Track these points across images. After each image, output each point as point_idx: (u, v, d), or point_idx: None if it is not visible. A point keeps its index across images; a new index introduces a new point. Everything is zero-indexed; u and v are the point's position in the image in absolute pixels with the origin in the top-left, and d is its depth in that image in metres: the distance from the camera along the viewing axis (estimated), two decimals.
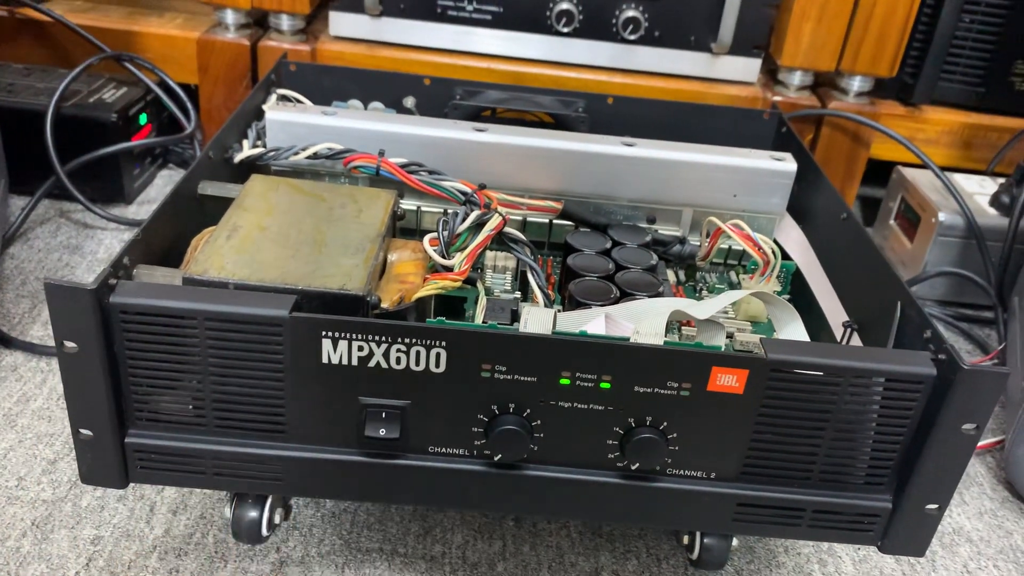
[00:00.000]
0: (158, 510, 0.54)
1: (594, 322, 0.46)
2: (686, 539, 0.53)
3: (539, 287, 0.54)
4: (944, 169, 0.87)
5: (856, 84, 0.91)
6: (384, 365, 0.42)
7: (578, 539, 0.56)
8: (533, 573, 0.53)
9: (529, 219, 0.63)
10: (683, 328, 0.56)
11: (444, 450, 0.45)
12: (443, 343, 0.42)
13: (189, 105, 0.90)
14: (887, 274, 0.51)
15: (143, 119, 0.88)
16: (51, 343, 0.67)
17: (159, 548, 0.52)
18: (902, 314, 0.48)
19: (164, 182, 0.93)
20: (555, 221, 0.63)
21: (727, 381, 0.42)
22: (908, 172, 0.91)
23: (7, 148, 0.75)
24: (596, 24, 0.88)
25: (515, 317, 0.52)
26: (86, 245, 0.80)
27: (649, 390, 0.43)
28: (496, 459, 0.44)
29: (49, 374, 0.64)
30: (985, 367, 0.41)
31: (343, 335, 0.41)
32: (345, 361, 0.42)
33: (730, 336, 0.56)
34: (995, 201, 0.85)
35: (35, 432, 0.59)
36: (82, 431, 0.44)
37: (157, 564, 0.51)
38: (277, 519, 0.52)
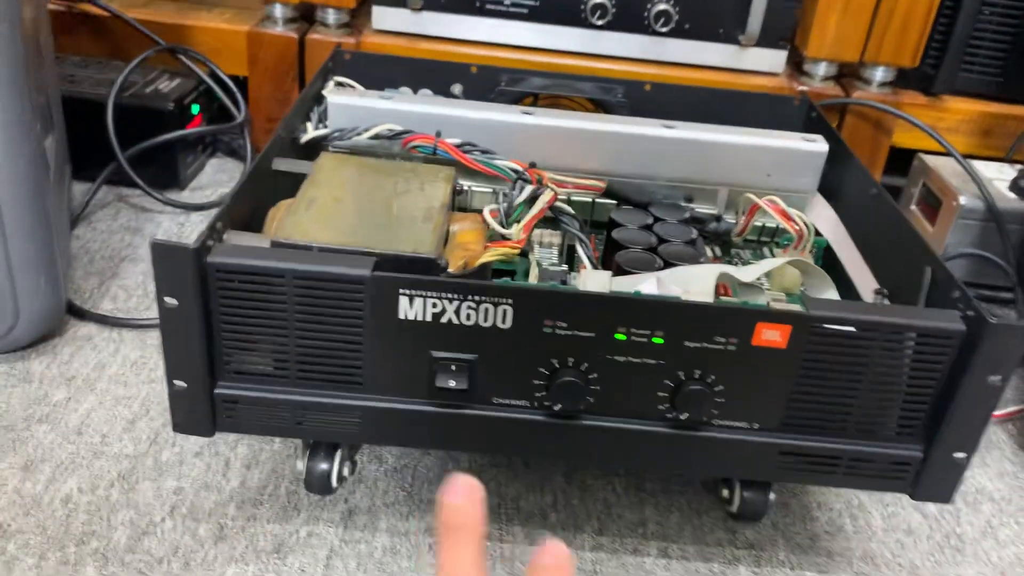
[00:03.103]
0: (232, 465, 0.58)
1: (646, 283, 0.50)
2: (725, 492, 0.57)
3: (587, 256, 0.57)
4: (964, 156, 0.90)
5: (879, 74, 0.94)
6: (455, 321, 0.46)
7: (623, 494, 0.59)
8: (583, 523, 0.57)
9: (573, 198, 0.66)
10: (722, 299, 0.59)
11: (507, 401, 0.48)
12: (510, 300, 0.45)
13: (239, 95, 0.94)
14: (916, 242, 0.54)
15: (195, 109, 0.92)
16: (121, 315, 0.71)
17: (236, 498, 0.56)
18: (932, 278, 0.51)
19: (214, 170, 0.97)
20: (598, 200, 0.67)
21: (771, 336, 0.46)
22: (929, 159, 0.94)
23: (69, 137, 0.79)
24: (628, 17, 0.91)
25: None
26: (145, 227, 0.84)
27: (698, 345, 0.46)
28: (555, 410, 0.48)
29: (121, 344, 0.68)
30: (1010, 321, 0.44)
31: (419, 293, 0.45)
32: (420, 317, 0.46)
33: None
34: (1014, 186, 0.88)
35: (113, 395, 0.63)
36: (176, 382, 0.47)
37: (236, 512, 0.55)
38: (345, 472, 0.56)
